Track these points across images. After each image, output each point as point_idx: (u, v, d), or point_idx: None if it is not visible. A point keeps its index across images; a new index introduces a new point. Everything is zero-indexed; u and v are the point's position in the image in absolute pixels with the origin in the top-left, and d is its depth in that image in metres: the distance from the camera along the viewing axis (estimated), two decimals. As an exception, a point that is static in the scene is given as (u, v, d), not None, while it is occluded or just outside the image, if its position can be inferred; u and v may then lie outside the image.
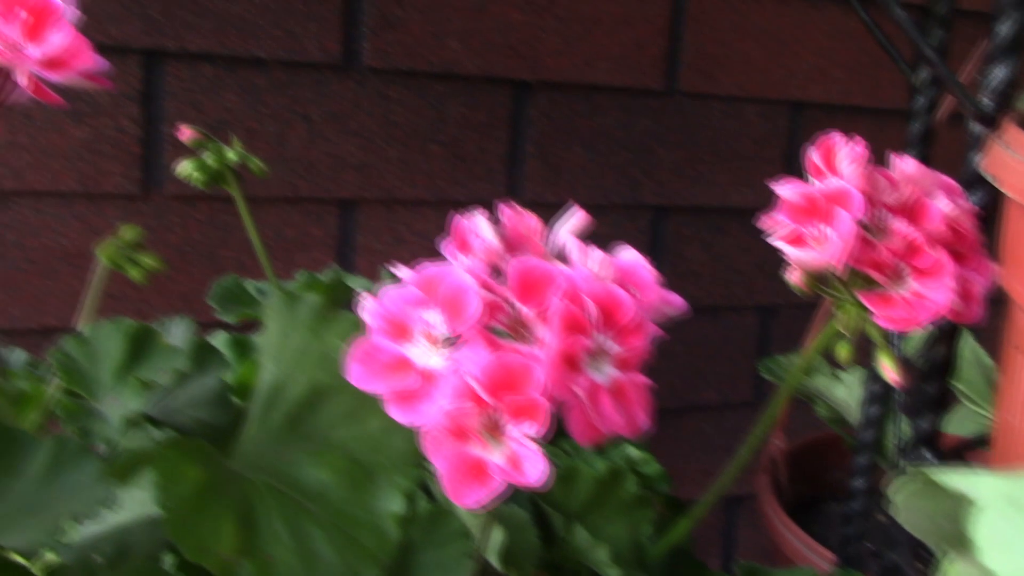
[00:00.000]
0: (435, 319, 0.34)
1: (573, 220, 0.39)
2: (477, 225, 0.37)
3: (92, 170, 0.86)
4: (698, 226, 1.11)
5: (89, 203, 0.87)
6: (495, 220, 0.38)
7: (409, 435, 0.49)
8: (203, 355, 0.48)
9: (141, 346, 0.46)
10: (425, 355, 0.34)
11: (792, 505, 0.89)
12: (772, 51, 1.09)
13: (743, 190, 1.11)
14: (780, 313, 1.17)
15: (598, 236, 1.07)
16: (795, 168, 1.12)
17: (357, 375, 0.34)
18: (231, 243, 0.92)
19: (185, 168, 0.61)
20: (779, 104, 1.11)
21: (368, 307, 0.35)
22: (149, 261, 0.46)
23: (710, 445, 1.18)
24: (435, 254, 1.00)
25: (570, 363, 0.32)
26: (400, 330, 0.34)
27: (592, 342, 0.33)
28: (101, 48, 0.87)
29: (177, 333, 0.49)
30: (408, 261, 0.98)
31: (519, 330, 0.33)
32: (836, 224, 0.41)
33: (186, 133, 0.60)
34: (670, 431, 1.16)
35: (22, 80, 0.43)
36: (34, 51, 0.43)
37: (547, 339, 0.32)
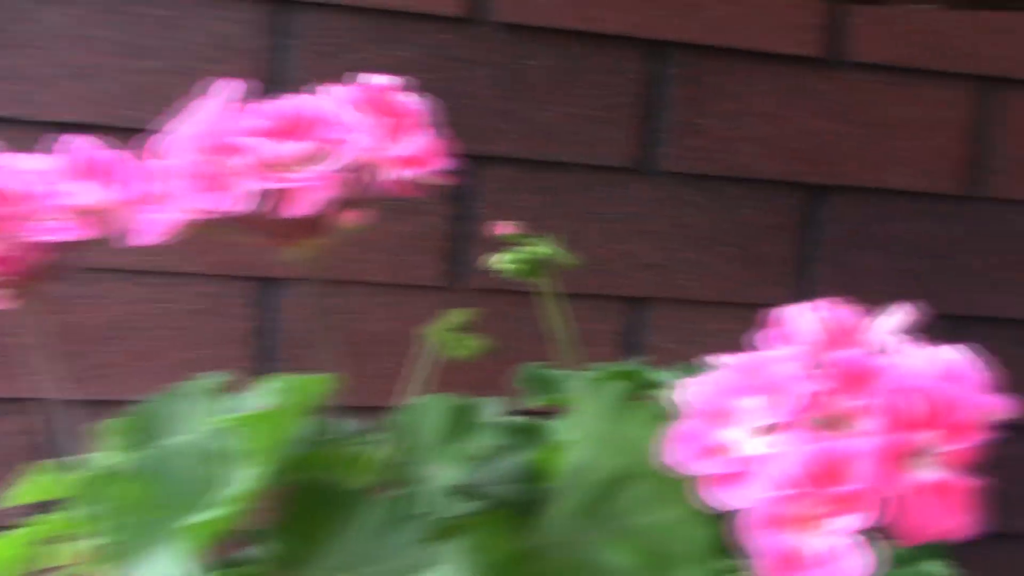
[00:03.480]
0: (755, 405, 0.35)
1: (896, 317, 0.39)
2: (801, 317, 0.38)
3: (404, 263, 0.94)
4: (1001, 340, 1.04)
5: (402, 293, 0.94)
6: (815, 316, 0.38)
7: (705, 527, 0.49)
8: (512, 434, 0.51)
9: (461, 420, 0.50)
10: (744, 440, 0.35)
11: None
12: (1092, 156, 1.03)
13: (1057, 302, 1.04)
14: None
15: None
16: (1118, 281, 1.04)
17: (676, 455, 0.36)
18: (522, 336, 0.96)
19: (500, 260, 0.65)
20: (1100, 212, 1.04)
21: (686, 392, 0.37)
22: (473, 343, 0.50)
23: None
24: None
25: (894, 458, 0.32)
26: (719, 416, 0.36)
27: (918, 438, 0.33)
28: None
29: (489, 411, 0.53)
30: (698, 360, 0.99)
31: (839, 424, 0.33)
32: None
33: (503, 228, 0.65)
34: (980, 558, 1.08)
35: (385, 175, 0.49)
36: (396, 150, 0.48)
37: (872, 432, 0.32)
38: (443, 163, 0.50)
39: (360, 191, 0.49)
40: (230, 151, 0.47)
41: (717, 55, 0.97)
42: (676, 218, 0.98)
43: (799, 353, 0.35)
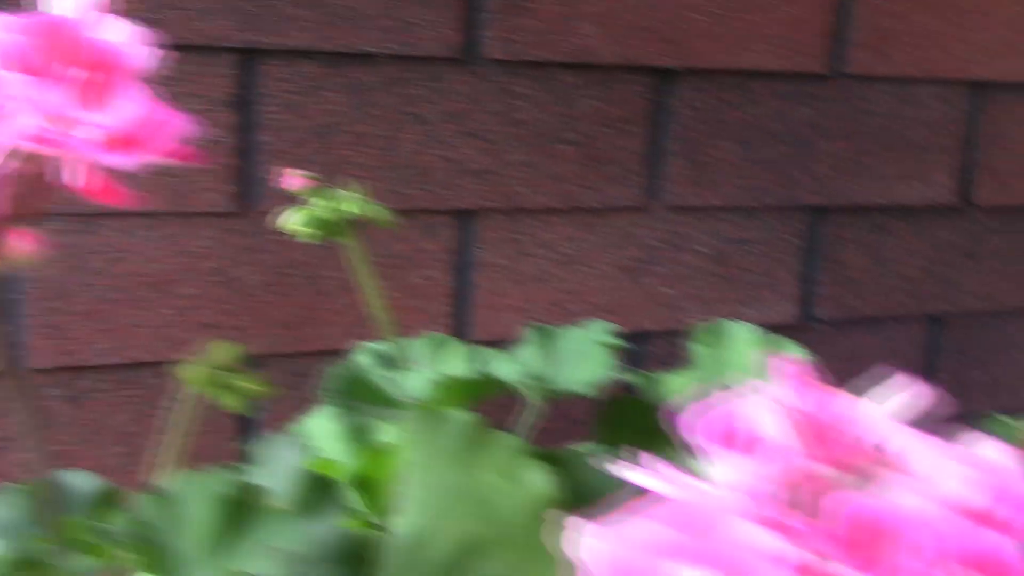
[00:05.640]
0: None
1: (897, 396, 0.27)
2: (757, 412, 0.25)
3: (183, 186, 0.76)
4: (859, 227, 0.97)
5: (181, 223, 0.76)
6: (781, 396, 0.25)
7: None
8: (318, 497, 0.37)
9: (239, 513, 0.35)
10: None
11: None
12: (952, 23, 0.94)
13: (913, 184, 0.97)
14: (952, 324, 1.02)
15: (746, 241, 0.93)
16: (972, 158, 0.97)
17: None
18: (334, 263, 0.81)
19: (291, 220, 0.50)
20: (958, 84, 0.96)
21: (588, 550, 0.23)
22: (250, 386, 0.35)
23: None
24: (561, 268, 0.88)
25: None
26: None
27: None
28: (189, 48, 0.76)
29: (283, 457, 0.38)
30: (532, 276, 0.87)
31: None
32: None
33: (295, 181, 0.49)
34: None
35: (73, 175, 0.31)
36: (90, 128, 0.31)
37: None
38: (172, 140, 0.33)
39: (34, 197, 0.32)
40: None
41: (546, -87, 0.80)
42: (505, 114, 0.83)
43: (768, 489, 0.23)
